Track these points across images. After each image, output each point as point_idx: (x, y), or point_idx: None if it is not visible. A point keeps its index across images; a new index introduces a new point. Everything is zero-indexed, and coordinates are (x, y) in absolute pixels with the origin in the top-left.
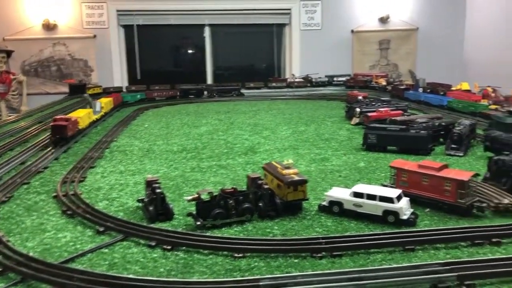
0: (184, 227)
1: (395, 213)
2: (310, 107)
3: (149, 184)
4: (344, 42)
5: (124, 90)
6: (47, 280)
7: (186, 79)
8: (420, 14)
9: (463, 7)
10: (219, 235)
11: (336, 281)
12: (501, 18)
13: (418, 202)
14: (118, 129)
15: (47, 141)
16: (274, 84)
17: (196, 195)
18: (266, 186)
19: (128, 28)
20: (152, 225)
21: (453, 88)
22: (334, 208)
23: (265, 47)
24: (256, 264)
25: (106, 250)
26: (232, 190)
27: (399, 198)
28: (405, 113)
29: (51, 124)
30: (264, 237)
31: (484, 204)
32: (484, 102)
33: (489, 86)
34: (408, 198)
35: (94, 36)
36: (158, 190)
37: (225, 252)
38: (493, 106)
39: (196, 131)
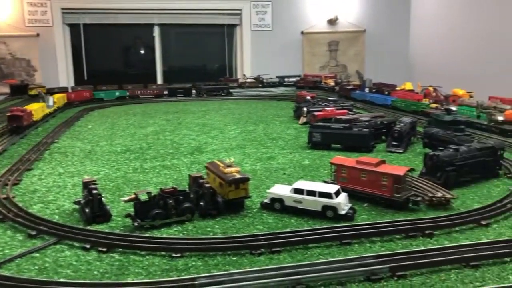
0: (122, 228)
1: (333, 208)
2: (260, 107)
3: (86, 185)
4: (294, 43)
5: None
6: None
7: (135, 79)
8: (367, 16)
9: (407, 10)
10: (158, 235)
11: (272, 276)
12: (443, 20)
13: (357, 197)
14: (60, 130)
15: None
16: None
17: (133, 196)
18: (207, 185)
19: (74, 27)
20: (88, 227)
21: (397, 88)
22: (276, 205)
23: (217, 48)
24: (193, 263)
25: (37, 255)
26: (172, 189)
27: (337, 193)
28: (350, 112)
29: (8, 114)
30: (202, 236)
31: (419, 198)
32: (426, 101)
33: (430, 86)
34: (346, 194)
35: (37, 35)
36: (94, 192)
37: (163, 253)
38: (433, 105)
39: (142, 131)
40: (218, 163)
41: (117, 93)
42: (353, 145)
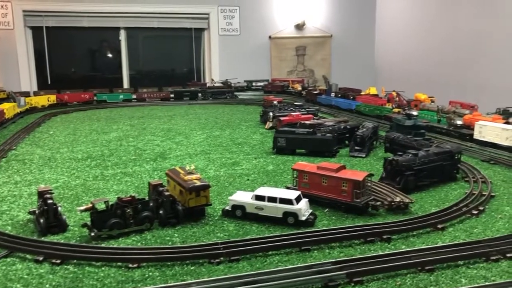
0: (78, 239)
1: (294, 215)
2: (227, 112)
3: (41, 194)
4: (262, 48)
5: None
6: None
7: (101, 83)
8: (334, 22)
9: (373, 16)
10: (115, 245)
11: (230, 286)
12: (407, 26)
13: (319, 203)
14: (19, 136)
15: None
16: (192, 89)
17: (90, 205)
18: (167, 193)
19: (37, 30)
20: (42, 239)
21: (362, 93)
22: (237, 212)
23: (185, 52)
24: (150, 274)
25: None
26: (130, 198)
27: (298, 199)
28: (315, 117)
29: None
30: (160, 246)
31: (378, 203)
32: (389, 106)
33: (394, 91)
34: (307, 199)
35: None
36: (49, 201)
37: (119, 263)
38: (396, 110)
39: (105, 137)
40: (179, 170)
41: (121, 96)
42: (317, 150)
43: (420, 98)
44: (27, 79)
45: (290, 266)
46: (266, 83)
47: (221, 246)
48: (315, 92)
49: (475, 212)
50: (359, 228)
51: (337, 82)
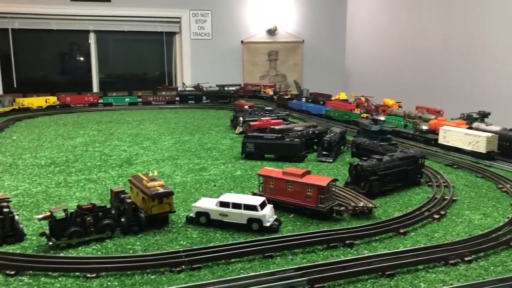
0: (35, 248)
1: (258, 221)
2: (198, 116)
3: None
4: (234, 52)
5: None
6: None
7: (70, 87)
8: (305, 27)
9: (343, 22)
10: (74, 254)
11: None
12: (377, 32)
13: (285, 208)
14: None
15: None
16: (163, 93)
17: (48, 213)
18: (129, 200)
19: (2, 32)
20: None
21: (332, 98)
22: (201, 219)
23: (156, 55)
24: (109, 283)
25: None
26: (90, 206)
27: (263, 205)
28: (285, 122)
29: None
30: (120, 254)
31: (342, 208)
32: (358, 111)
33: (363, 96)
34: (272, 205)
35: None
36: (5, 210)
37: (77, 273)
38: (364, 115)
39: (70, 142)
40: (142, 176)
41: (127, 99)
42: (286, 155)
43: (388, 104)
44: None
45: (252, 274)
46: (238, 87)
47: (183, 254)
48: (286, 97)
49: (436, 216)
50: (322, 234)
51: (309, 87)
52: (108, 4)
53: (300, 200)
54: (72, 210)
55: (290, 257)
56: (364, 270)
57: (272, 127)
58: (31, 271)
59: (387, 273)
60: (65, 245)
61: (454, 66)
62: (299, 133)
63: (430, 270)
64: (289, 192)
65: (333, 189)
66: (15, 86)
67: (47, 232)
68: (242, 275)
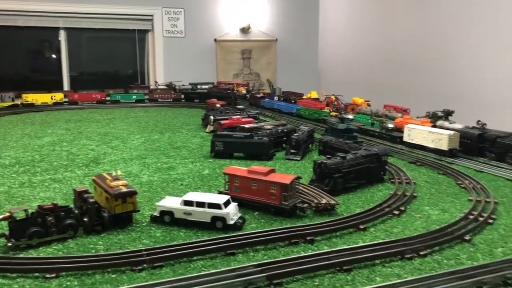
0: None
1: (222, 219)
2: (169, 115)
3: None
4: (208, 50)
5: None
6: None
7: (39, 85)
8: (279, 26)
9: (316, 21)
10: (34, 255)
11: None
12: (348, 31)
13: (250, 206)
14: None
15: None
16: (135, 91)
17: (7, 214)
18: (91, 200)
19: None
20: None
21: (304, 97)
22: (166, 218)
23: (128, 54)
24: (69, 283)
25: None
26: (52, 206)
27: (227, 204)
28: (255, 121)
29: None
30: (81, 254)
31: (306, 205)
32: (327, 109)
33: (333, 95)
34: (236, 203)
35: None
36: None
37: (36, 274)
38: (333, 113)
39: (37, 142)
40: (106, 176)
41: (134, 96)
42: (254, 154)
43: (357, 102)
44: None
45: (212, 271)
46: (211, 86)
47: (145, 253)
48: (258, 96)
49: (396, 212)
50: (284, 231)
51: (283, 85)
52: (79, 0)
53: (265, 198)
54: (33, 210)
55: (251, 254)
56: (322, 265)
57: (242, 125)
58: None
59: (345, 268)
60: (25, 245)
61: (424, 66)
62: (268, 131)
63: (387, 265)
64: (254, 190)
65: (297, 186)
66: None
67: (7, 233)
68: (202, 273)
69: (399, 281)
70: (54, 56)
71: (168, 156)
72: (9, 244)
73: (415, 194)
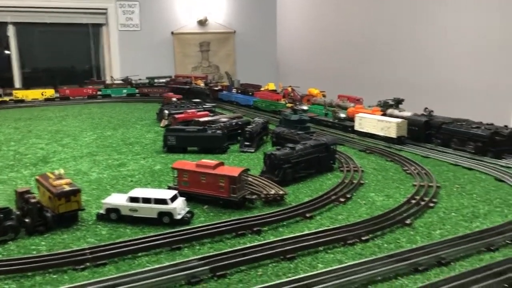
0: None
1: (169, 214)
2: (124, 110)
3: None
4: (165, 44)
5: None
6: None
7: None
8: (236, 18)
9: (274, 13)
10: None
11: None
12: (305, 24)
13: (200, 200)
14: None
15: None
16: (90, 87)
17: None
18: (33, 200)
19: None
20: None
21: (262, 89)
22: (112, 215)
23: (83, 48)
24: (6, 286)
25: None
26: None
27: (173, 199)
28: (211, 114)
29: None
30: (21, 256)
31: (254, 196)
32: (284, 101)
33: (290, 86)
34: (184, 198)
35: None
36: None
37: None
38: (289, 105)
39: None
40: (49, 175)
41: (124, 91)
42: (208, 147)
43: (313, 93)
44: None
45: (156, 266)
46: (168, 79)
47: (88, 251)
48: (216, 89)
49: (342, 199)
50: (231, 223)
51: (242, 78)
52: None
53: (214, 191)
54: None
55: (197, 247)
56: (266, 255)
57: (197, 119)
58: None
59: (288, 256)
60: None
61: (376, 56)
62: (222, 124)
63: (329, 251)
64: (203, 183)
65: (247, 178)
66: None
67: None
68: (145, 269)
69: (339, 266)
70: (3, 52)
71: (120, 152)
72: None
73: (362, 182)
